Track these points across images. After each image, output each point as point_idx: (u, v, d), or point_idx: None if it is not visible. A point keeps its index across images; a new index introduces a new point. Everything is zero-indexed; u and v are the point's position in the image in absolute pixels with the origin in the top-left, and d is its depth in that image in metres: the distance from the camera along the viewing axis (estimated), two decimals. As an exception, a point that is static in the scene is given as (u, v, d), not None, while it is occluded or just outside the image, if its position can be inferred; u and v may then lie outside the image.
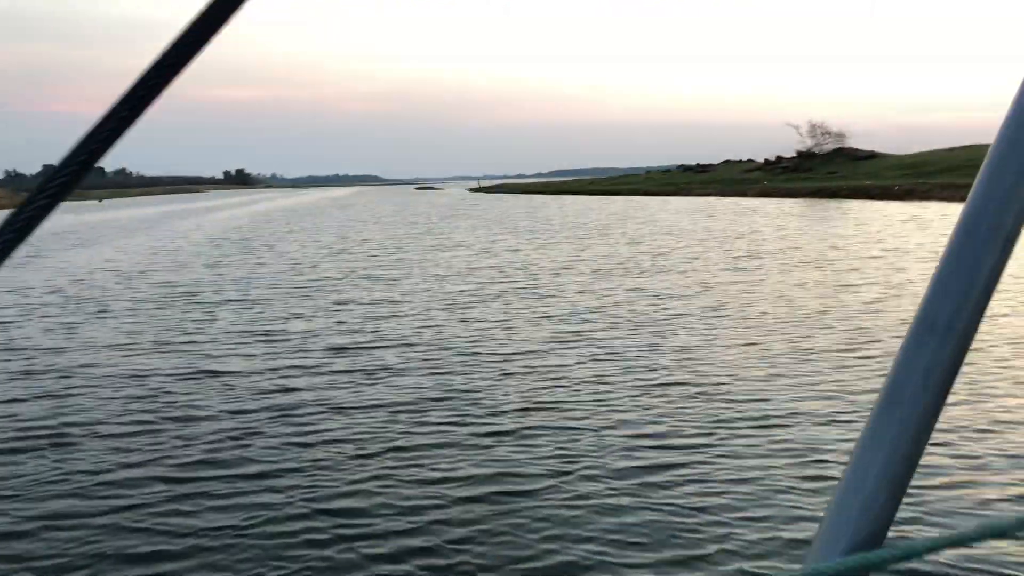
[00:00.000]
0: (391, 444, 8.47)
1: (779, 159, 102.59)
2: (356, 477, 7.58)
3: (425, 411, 9.60)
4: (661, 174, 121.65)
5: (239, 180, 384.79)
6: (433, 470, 7.72)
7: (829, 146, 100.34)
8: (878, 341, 12.82)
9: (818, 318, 14.96)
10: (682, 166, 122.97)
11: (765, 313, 15.62)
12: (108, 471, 7.88)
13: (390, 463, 7.93)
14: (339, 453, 8.25)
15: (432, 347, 13.09)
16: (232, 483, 7.51)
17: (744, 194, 79.05)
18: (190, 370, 11.85)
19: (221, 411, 9.75)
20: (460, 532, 6.45)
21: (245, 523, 6.67)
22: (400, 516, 6.75)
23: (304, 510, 6.90)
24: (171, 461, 8.11)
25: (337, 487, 7.36)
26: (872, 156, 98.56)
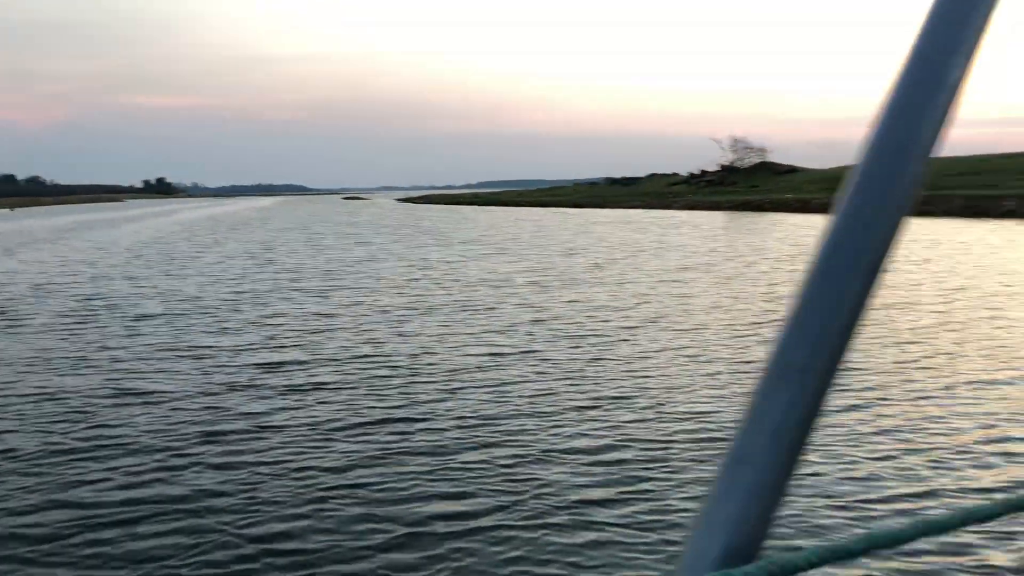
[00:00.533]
0: (326, 466, 8.08)
1: (704, 173, 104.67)
2: (291, 505, 7.18)
3: (362, 431, 9.22)
4: (589, 187, 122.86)
5: (160, 189, 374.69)
6: (373, 493, 7.36)
7: (751, 160, 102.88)
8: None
9: (755, 329, 15.05)
10: (609, 179, 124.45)
11: (702, 325, 15.66)
12: (19, 497, 7.30)
13: (326, 486, 7.54)
14: (271, 477, 7.82)
15: (368, 362, 12.68)
16: (156, 510, 7.02)
17: (670, 207, 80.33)
18: (110, 389, 11.21)
19: (144, 432, 9.20)
20: (403, 557, 6.12)
21: (168, 555, 6.21)
22: (338, 544, 6.38)
23: (235, 540, 6.47)
24: (89, 488, 7.56)
25: (270, 515, 6.94)
26: (792, 170, 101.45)
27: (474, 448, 8.54)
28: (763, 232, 44.63)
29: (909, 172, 0.50)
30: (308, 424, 9.43)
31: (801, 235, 40.91)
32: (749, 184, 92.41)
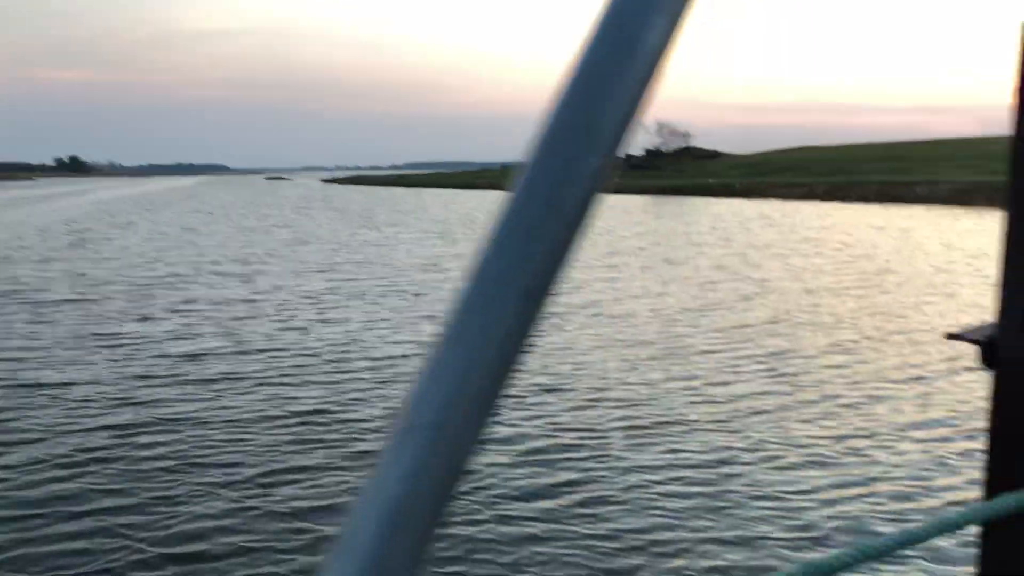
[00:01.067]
0: (243, 461, 7.67)
1: (629, 157, 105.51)
2: (208, 505, 6.76)
3: (285, 424, 8.81)
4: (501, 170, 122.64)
5: (73, 168, 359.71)
6: (295, 490, 7.00)
7: (676, 145, 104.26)
8: (748, 341, 12.96)
9: (691, 314, 15.05)
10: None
11: (632, 312, 15.59)
12: (-89, 508, 6.71)
13: (247, 488, 7.14)
14: (182, 473, 7.37)
15: (292, 351, 12.21)
16: (56, 510, 6.53)
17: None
18: (15, 381, 10.51)
19: (51, 429, 8.61)
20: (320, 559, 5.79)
21: (67, 558, 5.76)
22: (254, 544, 6.02)
23: (138, 540, 6.04)
24: (-10, 493, 7.00)
25: (179, 515, 6.52)
26: (716, 155, 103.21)
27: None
28: (689, 216, 45.16)
29: (590, 165, 0.39)
30: (226, 418, 8.97)
31: (727, 220, 41.50)
32: (674, 168, 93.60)
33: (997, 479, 1.03)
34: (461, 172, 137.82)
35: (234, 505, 6.72)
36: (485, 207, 56.23)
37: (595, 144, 0.39)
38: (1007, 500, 0.87)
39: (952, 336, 1.13)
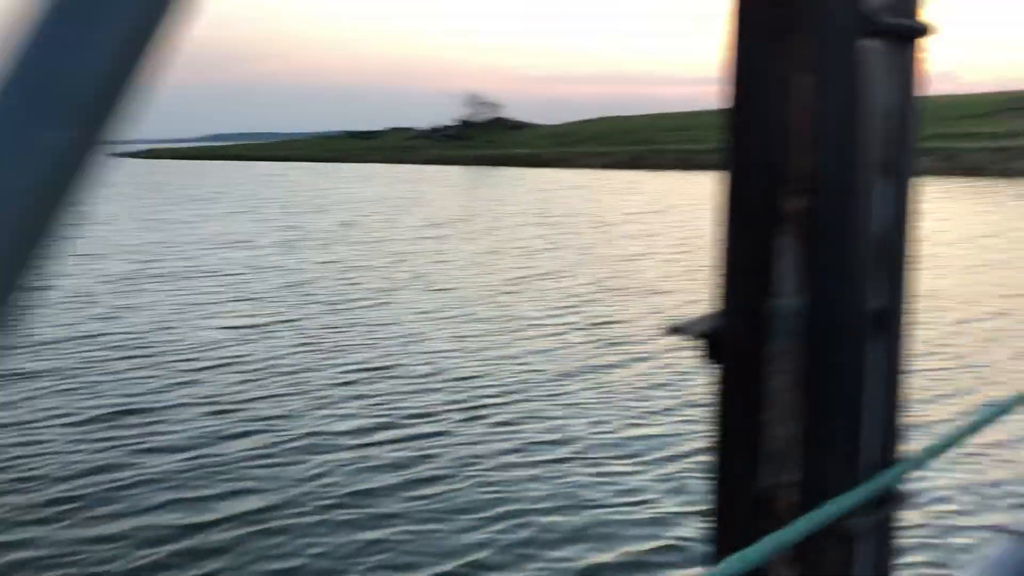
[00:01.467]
0: (41, 471, 6.83)
1: (443, 127, 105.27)
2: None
3: (91, 426, 7.94)
4: (326, 140, 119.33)
5: None
6: (102, 502, 6.29)
7: (487, 116, 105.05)
8: (575, 308, 13.10)
9: (517, 284, 15.04)
10: (347, 132, 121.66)
11: (461, 283, 15.41)
12: None
13: (39, 492, 6.35)
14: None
15: (90, 343, 11.09)
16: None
17: (412, 161, 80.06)
18: None
19: None
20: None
21: None
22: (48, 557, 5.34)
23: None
24: None
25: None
26: (526, 126, 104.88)
27: (232, 438, 7.61)
28: (504, 185, 45.60)
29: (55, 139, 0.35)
30: (16, 422, 7.97)
31: (540, 189, 42.23)
32: (485, 139, 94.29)
33: (727, 476, 0.98)
34: (269, 143, 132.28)
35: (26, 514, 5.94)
36: (298, 180, 54.22)
37: (60, 118, 0.34)
38: (733, 563, 0.77)
39: (674, 331, 1.03)
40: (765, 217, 0.95)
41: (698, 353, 1.01)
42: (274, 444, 7.43)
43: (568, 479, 6.65)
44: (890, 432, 1.01)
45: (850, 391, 0.95)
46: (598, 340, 11.03)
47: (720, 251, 0.99)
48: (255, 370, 9.75)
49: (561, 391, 8.89)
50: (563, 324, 11.97)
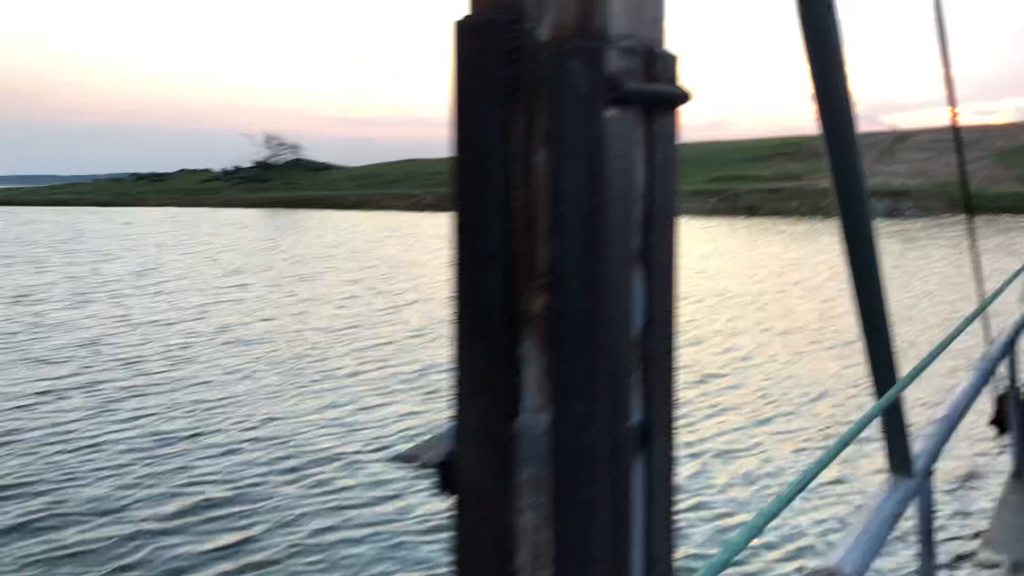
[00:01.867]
0: None
1: (238, 169, 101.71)
2: None
3: None
4: (112, 183, 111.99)
5: None
6: None
7: (285, 157, 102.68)
8: (390, 359, 12.87)
9: (330, 334, 14.58)
10: (134, 174, 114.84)
11: (269, 333, 14.76)
12: None
13: None
14: None
15: None
16: None
17: (206, 204, 76.83)
18: None
19: None
20: None
21: None
22: None
23: None
24: None
25: None
26: (327, 168, 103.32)
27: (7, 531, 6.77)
28: (309, 230, 44.59)
29: None
30: None
31: (346, 232, 41.61)
32: (284, 181, 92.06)
33: None
34: (47, 187, 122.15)
35: None
36: (82, 227, 50.33)
37: None
38: None
39: (403, 459, 0.86)
40: (505, 317, 0.77)
41: (432, 484, 0.82)
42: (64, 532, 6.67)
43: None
44: (663, 566, 0.83)
45: (611, 527, 0.80)
46: (426, 389, 10.86)
47: (455, 359, 0.82)
48: (38, 444, 8.77)
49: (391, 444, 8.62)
50: (385, 375, 11.69)
